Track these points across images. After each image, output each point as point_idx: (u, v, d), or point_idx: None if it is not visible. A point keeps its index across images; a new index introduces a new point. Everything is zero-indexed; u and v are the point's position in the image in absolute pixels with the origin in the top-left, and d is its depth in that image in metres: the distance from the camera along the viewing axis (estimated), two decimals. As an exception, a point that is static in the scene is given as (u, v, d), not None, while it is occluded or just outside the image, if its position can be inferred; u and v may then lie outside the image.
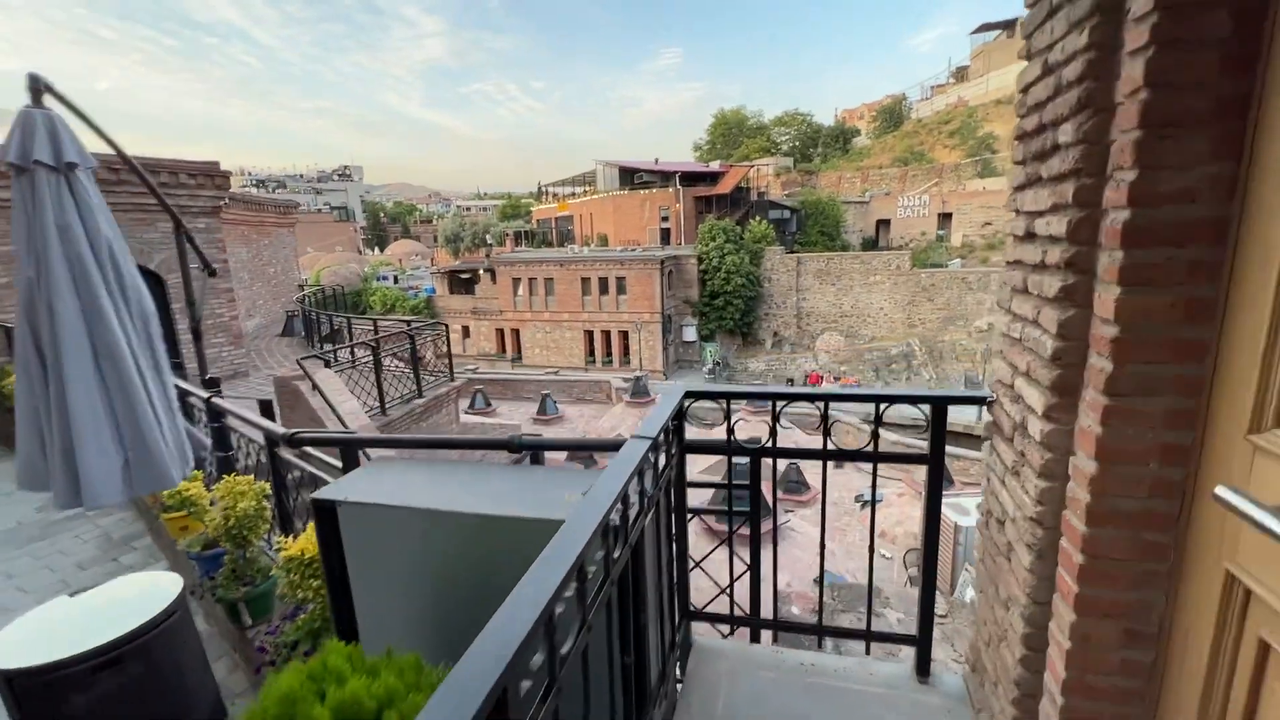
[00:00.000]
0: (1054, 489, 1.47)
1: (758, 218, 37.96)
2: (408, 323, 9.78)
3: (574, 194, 50.92)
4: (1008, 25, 65.45)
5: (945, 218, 41.05)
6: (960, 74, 68.39)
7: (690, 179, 42.06)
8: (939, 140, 55.69)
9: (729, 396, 2.46)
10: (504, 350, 38.56)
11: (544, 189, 61.27)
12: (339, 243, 73.32)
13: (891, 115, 67.82)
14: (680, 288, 36.05)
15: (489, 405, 22.95)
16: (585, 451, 10.10)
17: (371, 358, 9.04)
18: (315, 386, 6.27)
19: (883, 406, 2.39)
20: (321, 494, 1.75)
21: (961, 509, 11.04)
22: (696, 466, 16.41)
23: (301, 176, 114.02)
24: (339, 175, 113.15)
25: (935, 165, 50.30)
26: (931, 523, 2.44)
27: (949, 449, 14.79)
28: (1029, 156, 1.64)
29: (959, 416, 25.54)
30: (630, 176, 44.09)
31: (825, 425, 2.25)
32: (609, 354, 35.64)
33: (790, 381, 32.28)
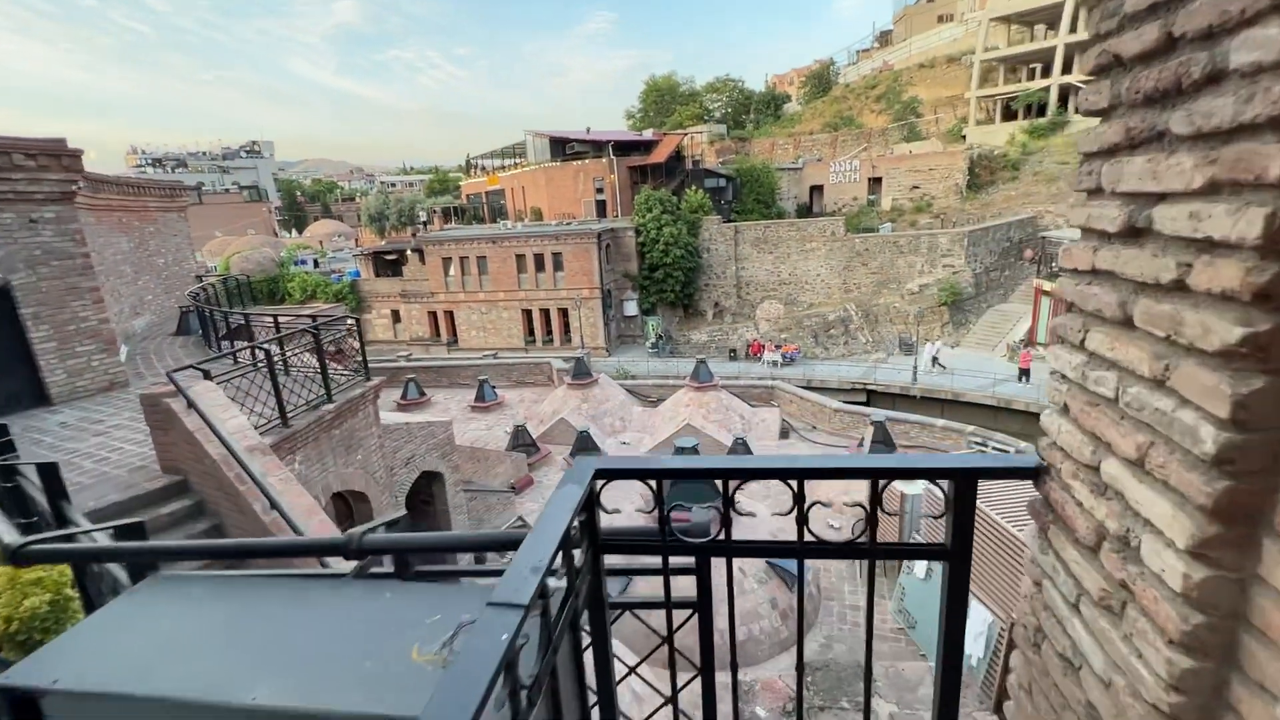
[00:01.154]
0: (1205, 673, 0.90)
1: (693, 187, 37.41)
2: (312, 317, 8.75)
3: (504, 167, 48.80)
4: (928, -12, 66.41)
5: (875, 183, 41.73)
6: (884, 38, 69.29)
7: (624, 148, 40.95)
8: (866, 105, 56.41)
9: (659, 475, 1.73)
10: (438, 334, 36.89)
11: (472, 162, 58.51)
12: (251, 225, 68.06)
13: (820, 81, 68.17)
14: (619, 261, 35.28)
15: (422, 395, 21.80)
16: (466, 551, 9.38)
17: (279, 359, 8.04)
18: (190, 404, 5.33)
19: (881, 483, 1.68)
20: (12, 675, 1.05)
21: (906, 477, 11.12)
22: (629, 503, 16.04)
23: (205, 154, 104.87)
24: (247, 151, 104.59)
25: (864, 130, 50.97)
26: (953, 647, 1.75)
27: (887, 412, 14.92)
28: (1135, 97, 1.02)
29: (895, 377, 26.24)
30: (562, 147, 42.52)
31: (801, 512, 1.66)
32: (549, 333, 34.67)
33: (732, 352, 32.34)
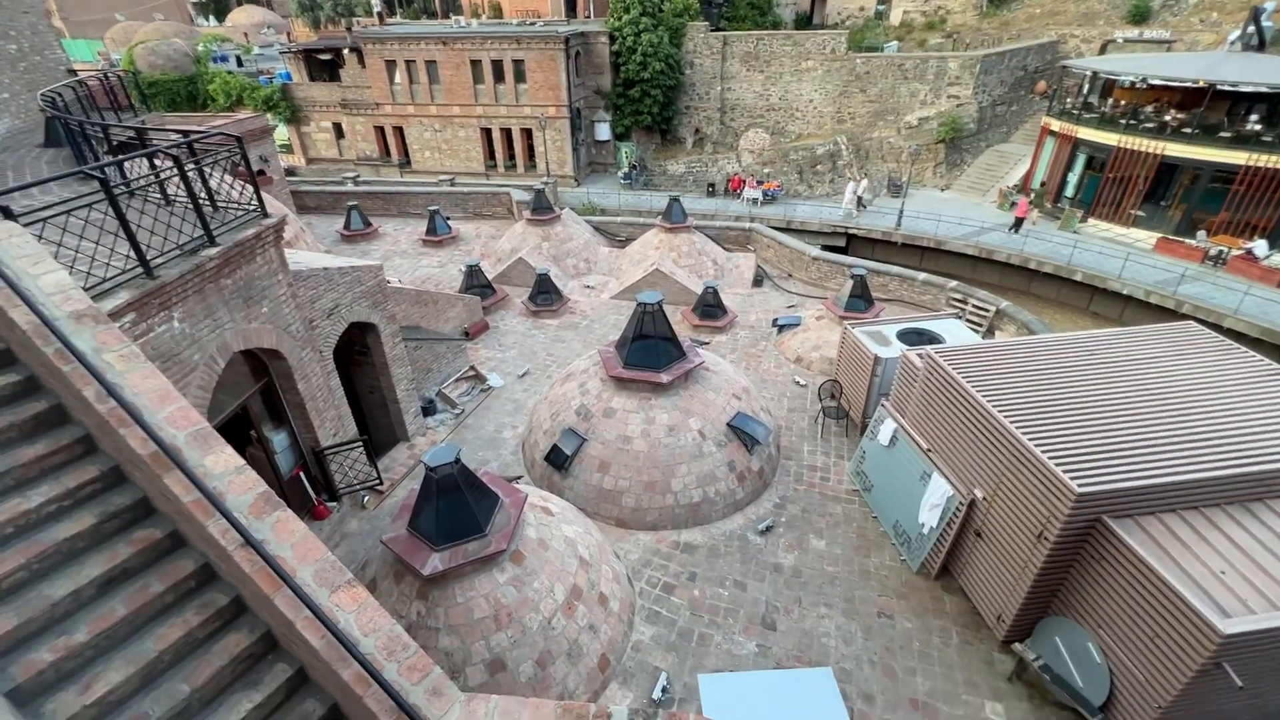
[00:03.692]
0: None
1: (680, -18, 31.86)
2: (185, 134, 6.94)
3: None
4: None
5: (888, -11, 36.18)
6: None
7: (599, -74, 34.08)
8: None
9: None
10: (388, 153, 33.27)
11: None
12: (159, 9, 57.79)
13: None
14: (590, 74, 31.07)
15: (368, 225, 19.91)
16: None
17: (158, 184, 6.38)
18: (-19, 254, 4.00)
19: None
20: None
21: (881, 338, 10.47)
22: (611, 316, 14.93)
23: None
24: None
25: (884, -82, 43.11)
26: None
27: (867, 263, 14.02)
28: None
29: (878, 222, 24.90)
30: (523, -80, 35.19)
31: None
32: (511, 157, 31.50)
33: (711, 187, 30.08)
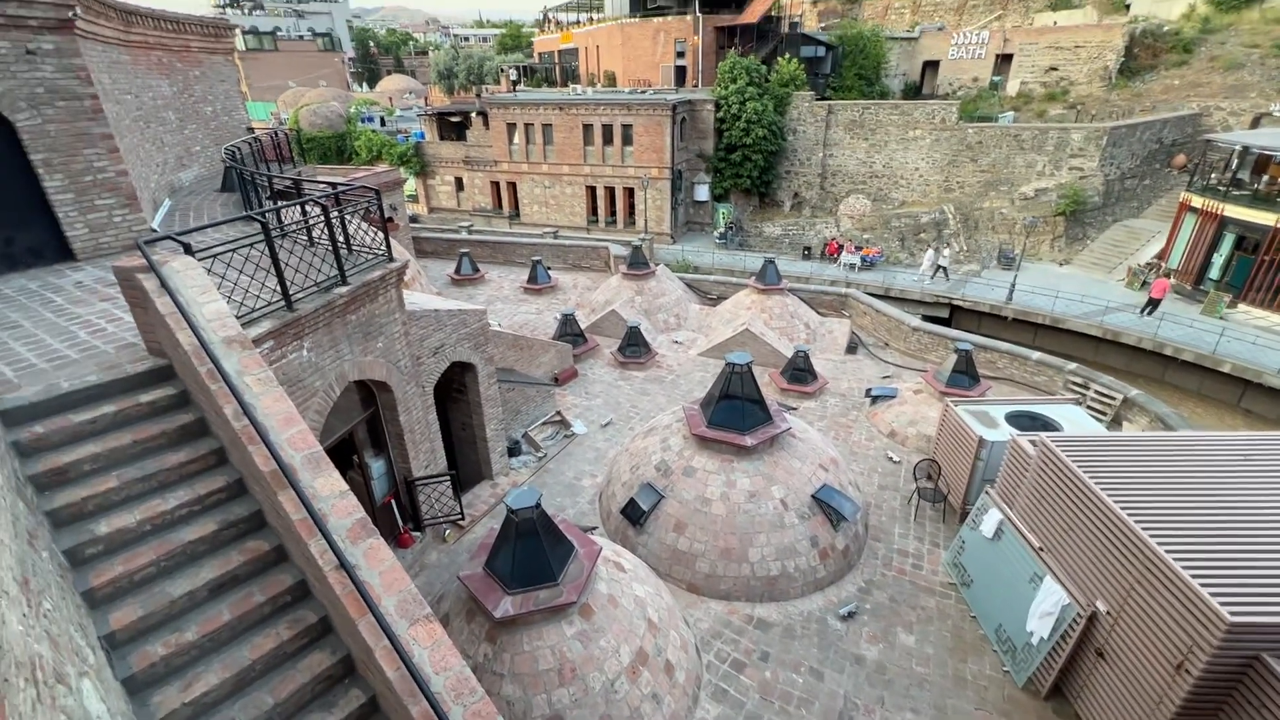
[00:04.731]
0: None
1: (787, 55, 32.84)
2: (333, 185, 7.86)
3: (579, 22, 44.48)
4: None
5: (1004, 61, 35.42)
6: None
7: (712, 4, 36.04)
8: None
9: None
10: (500, 205, 35.84)
11: (547, 15, 53.70)
12: (324, 76, 66.81)
13: (958, -74, 56.81)
14: (694, 138, 32.29)
15: (477, 271, 21.29)
16: None
17: (305, 228, 7.30)
18: (163, 283, 4.65)
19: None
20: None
21: (988, 419, 9.73)
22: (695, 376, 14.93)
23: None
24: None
25: (1002, -7, 42.68)
26: None
27: (974, 337, 13.27)
28: None
29: (986, 294, 23.56)
30: (643, 0, 37.90)
31: None
32: (613, 213, 32.96)
33: (807, 250, 29.87)
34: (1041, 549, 7.11)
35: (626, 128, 30.66)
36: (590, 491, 10.64)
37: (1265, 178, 21.54)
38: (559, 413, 12.54)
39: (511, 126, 33.24)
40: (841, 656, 7.37)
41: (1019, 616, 7.08)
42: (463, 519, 9.43)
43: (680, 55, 35.75)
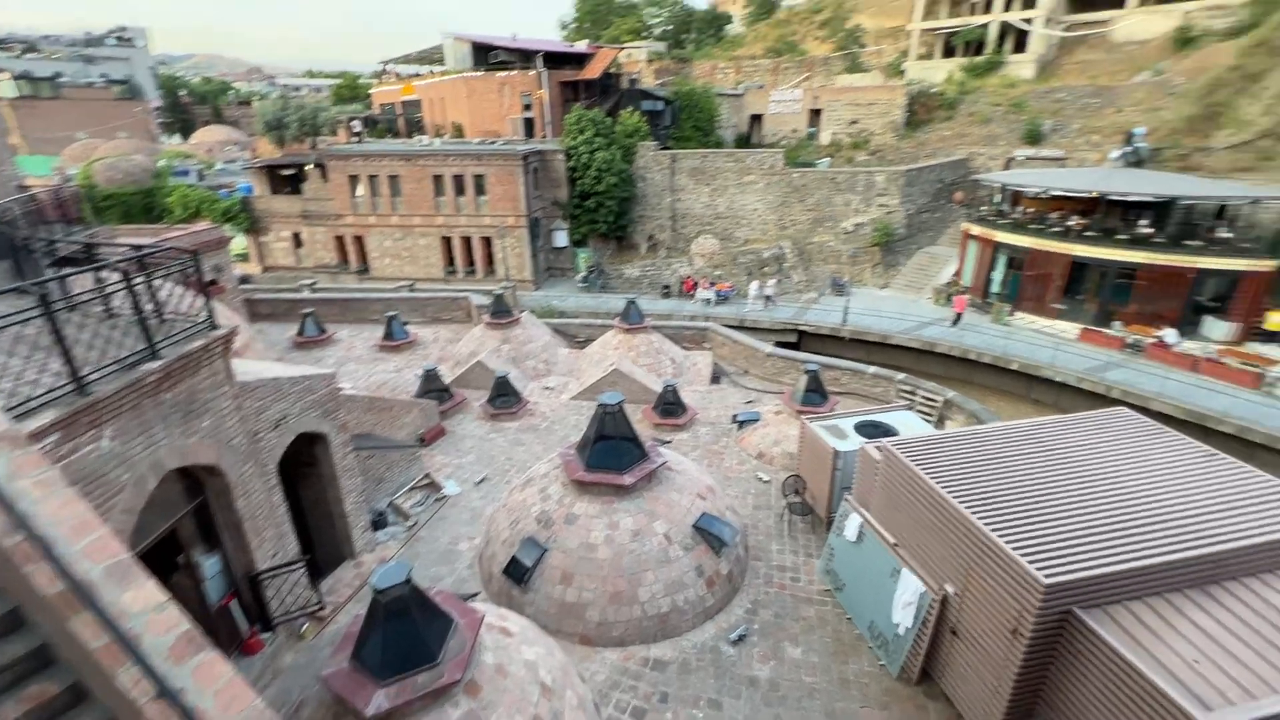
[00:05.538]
0: None
1: (629, 109, 34.92)
2: (136, 247, 6.90)
3: (419, 75, 43.92)
4: (879, -93, 63.24)
5: (816, 114, 40.48)
6: (832, -42, 66.08)
7: (555, 61, 37.43)
8: (810, 31, 54.20)
9: None
10: (346, 261, 33.65)
11: (386, 67, 52.43)
12: (124, 127, 59.29)
13: (764, 2, 64.84)
14: (548, 187, 32.86)
15: (323, 332, 19.70)
16: None
17: (101, 298, 6.20)
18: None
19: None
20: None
21: (839, 431, 10.65)
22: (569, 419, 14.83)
23: (58, 38, 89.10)
24: (117, 39, 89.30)
25: (807, 58, 49.08)
26: None
27: (820, 359, 14.49)
28: None
29: (826, 318, 26.14)
30: (485, 55, 38.40)
31: None
32: (471, 263, 32.29)
33: (666, 289, 31.31)
34: (897, 544, 7.82)
35: (479, 178, 30.48)
36: (468, 555, 10.01)
37: (1020, 209, 26.36)
38: (428, 475, 11.76)
39: (354, 179, 31.63)
40: (737, 682, 7.48)
41: (886, 611, 7.68)
42: (322, 609, 8.40)
43: (528, 108, 36.51)
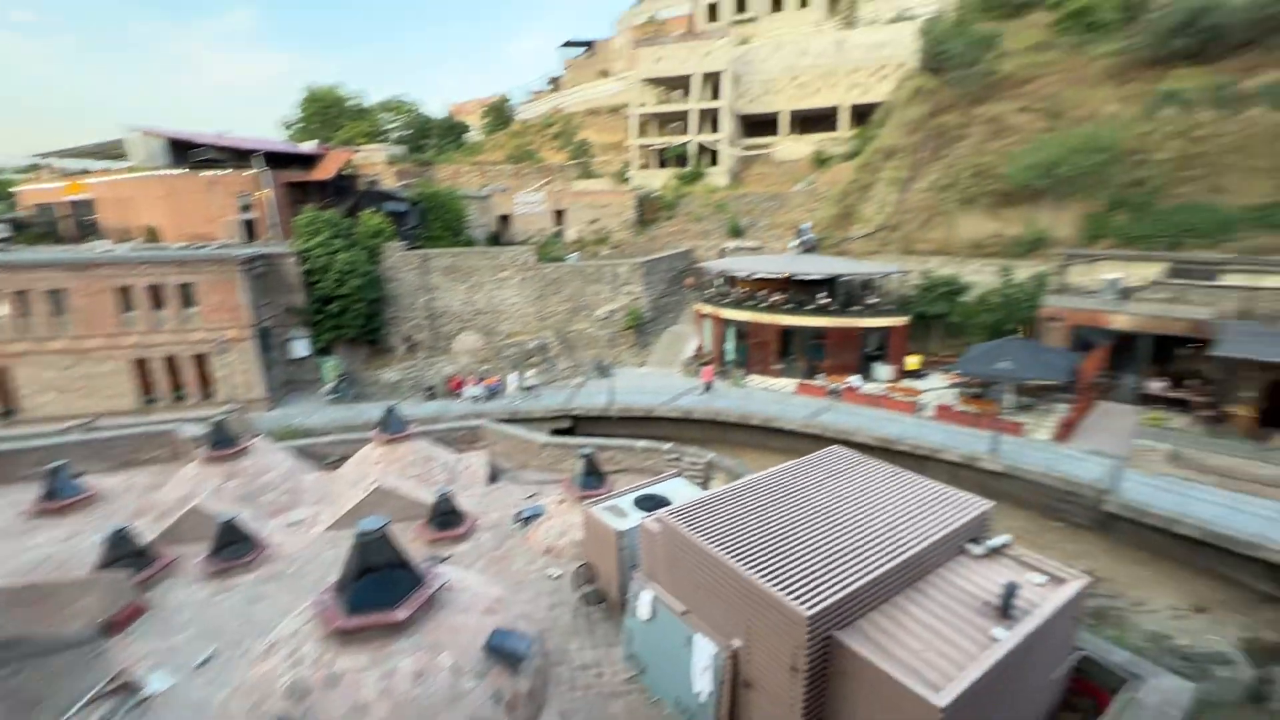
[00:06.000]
0: None
1: (371, 209, 33.64)
2: None
3: (88, 171, 36.73)
4: (587, 45, 73.96)
5: (559, 214, 43.80)
6: (556, 83, 74.50)
7: (279, 161, 34.55)
8: (545, 142, 59.34)
9: None
10: (-22, 403, 25.19)
11: (43, 160, 42.74)
12: None
13: (500, 114, 69.56)
14: (279, 293, 29.34)
15: (-69, 506, 14.15)
16: None
17: None
18: None
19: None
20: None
21: (619, 511, 10.91)
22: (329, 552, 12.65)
23: None
24: None
25: (545, 165, 53.36)
26: None
27: (594, 440, 14.80)
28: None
29: (594, 400, 27.28)
30: (185, 152, 33.80)
31: None
32: (179, 387, 26.73)
33: (431, 390, 29.69)
34: (686, 611, 8.11)
35: (184, 287, 25.94)
36: (189, 770, 7.62)
37: (737, 289, 31.40)
38: (119, 674, 8.85)
39: (-12, 296, 24.34)
40: (553, 814, 6.78)
41: (687, 681, 7.81)
42: None
43: (247, 209, 32.75)
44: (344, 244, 29.84)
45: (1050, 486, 18.18)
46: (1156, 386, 22.82)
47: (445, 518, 13.19)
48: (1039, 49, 33.86)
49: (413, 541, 12.61)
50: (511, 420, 23.29)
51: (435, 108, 76.99)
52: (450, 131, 68.54)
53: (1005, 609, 6.81)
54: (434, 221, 38.51)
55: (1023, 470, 18.83)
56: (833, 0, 50.62)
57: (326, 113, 60.01)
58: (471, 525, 13.42)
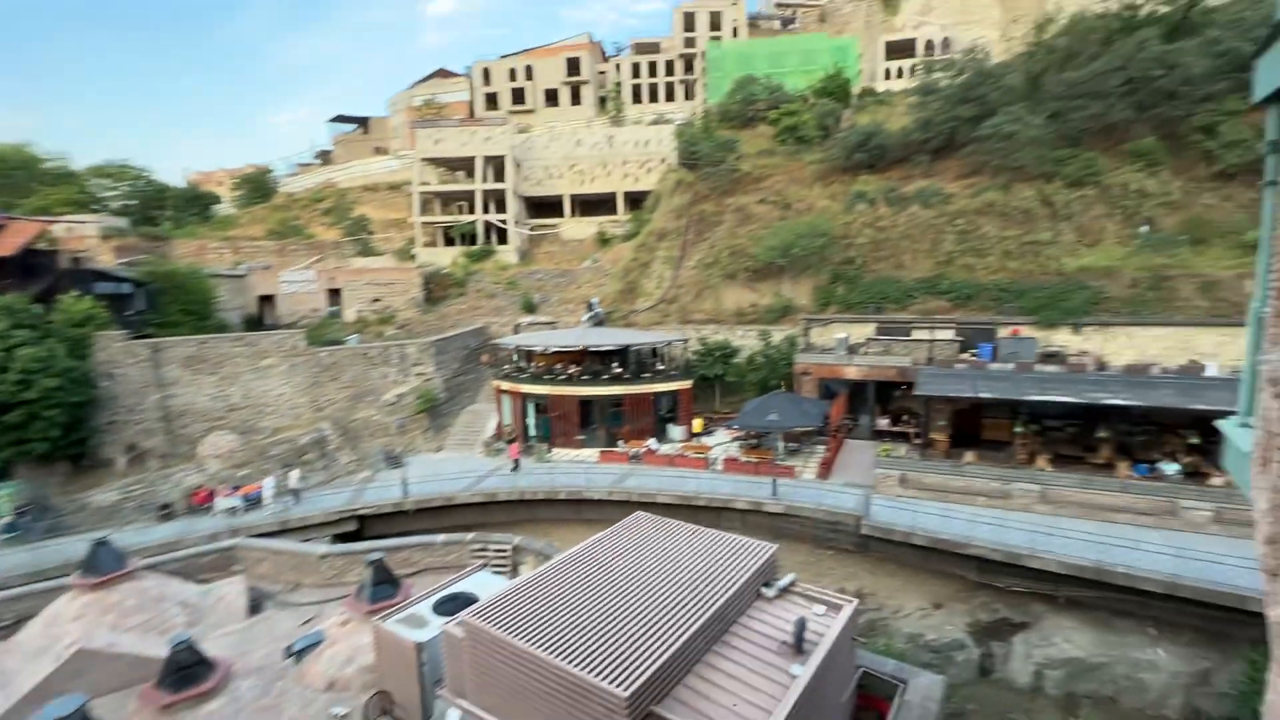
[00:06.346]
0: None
1: (76, 292, 27.29)
2: None
3: None
4: (360, 121, 71.41)
5: (334, 293, 40.19)
6: (325, 157, 70.04)
7: (-79, 232, 26.49)
8: (315, 217, 54.82)
9: None
10: None
11: None
12: None
13: (259, 186, 62.83)
14: (-82, 405, 21.79)
15: None
16: None
17: None
18: None
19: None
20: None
21: (418, 620, 9.75)
22: None
23: None
24: None
25: (316, 241, 49.03)
26: None
27: (383, 543, 13.28)
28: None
29: (385, 495, 24.58)
30: None
31: None
32: None
33: (166, 509, 24.04)
34: (500, 722, 7.38)
35: None
36: None
37: (534, 363, 31.50)
38: None
39: None
40: None
41: (506, 805, 7.01)
42: None
43: None
44: (30, 335, 23.56)
45: (820, 520, 20.77)
46: (884, 423, 27.87)
47: (184, 673, 10.45)
48: (767, 154, 41.30)
49: (134, 716, 9.75)
50: (281, 532, 19.86)
51: (172, 175, 66.85)
52: (193, 202, 59.62)
53: (799, 645, 7.42)
54: (169, 305, 32.54)
55: (798, 508, 21.27)
56: (601, 100, 56.20)
57: (9, 176, 48.32)
58: (224, 675, 10.82)
